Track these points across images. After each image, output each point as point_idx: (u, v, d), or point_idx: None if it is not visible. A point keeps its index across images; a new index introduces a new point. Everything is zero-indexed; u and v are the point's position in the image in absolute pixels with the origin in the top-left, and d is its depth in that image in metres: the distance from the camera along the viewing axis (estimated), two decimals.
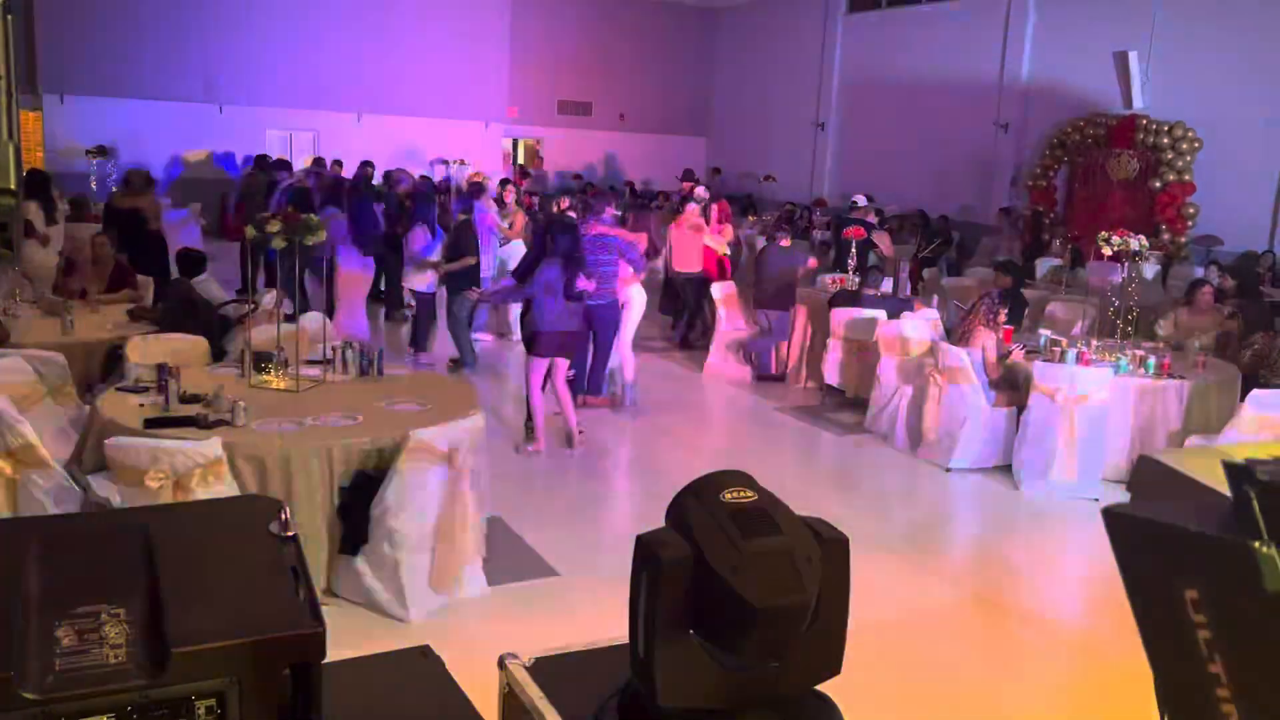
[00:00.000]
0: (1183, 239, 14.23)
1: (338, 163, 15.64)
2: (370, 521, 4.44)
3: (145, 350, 5.82)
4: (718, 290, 9.92)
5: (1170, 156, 14.25)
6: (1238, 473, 1.04)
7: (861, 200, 13.52)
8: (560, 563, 5.27)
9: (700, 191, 12.01)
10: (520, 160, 23.21)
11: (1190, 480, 1.57)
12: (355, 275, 10.01)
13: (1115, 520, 1.17)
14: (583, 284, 6.90)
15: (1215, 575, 1.05)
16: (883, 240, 11.35)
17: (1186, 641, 1.07)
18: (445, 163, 19.07)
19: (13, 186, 9.34)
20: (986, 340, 7.26)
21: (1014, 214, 15.53)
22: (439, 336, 9.90)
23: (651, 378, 9.54)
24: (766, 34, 22.68)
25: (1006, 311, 7.57)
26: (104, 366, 6.26)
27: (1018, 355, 7.37)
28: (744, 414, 9.02)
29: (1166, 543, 1.10)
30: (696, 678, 1.52)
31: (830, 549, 1.56)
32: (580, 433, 7.35)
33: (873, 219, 12.00)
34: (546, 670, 1.83)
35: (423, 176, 15.33)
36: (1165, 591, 1.09)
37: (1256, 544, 1.00)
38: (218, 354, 6.29)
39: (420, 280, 9.50)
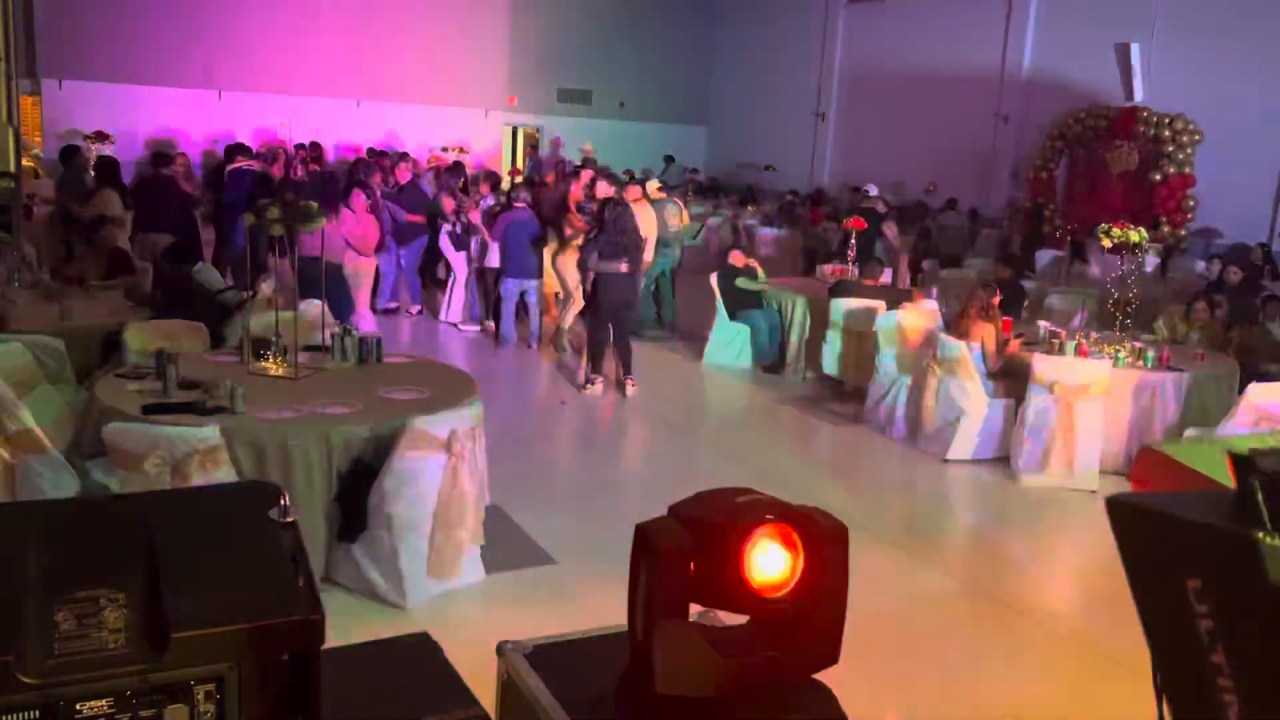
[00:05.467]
0: (1182, 231, 14.22)
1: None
2: (369, 509, 4.45)
3: (143, 336, 5.81)
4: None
5: (1171, 149, 14.23)
6: (1242, 463, 1.04)
7: (873, 190, 13.53)
8: (558, 551, 5.27)
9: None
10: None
11: (1191, 471, 1.57)
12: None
13: (1118, 509, 1.17)
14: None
15: (1218, 565, 1.05)
16: (890, 229, 11.37)
17: (1188, 631, 1.07)
18: (445, 150, 19.03)
19: (12, 170, 9.33)
20: (985, 332, 7.26)
21: (1013, 205, 15.52)
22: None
23: (649, 367, 9.54)
24: (767, 23, 22.61)
25: (1000, 299, 7.57)
26: (102, 352, 6.25)
27: (1015, 346, 7.38)
28: (742, 404, 9.02)
29: (1169, 532, 1.10)
30: (695, 666, 1.52)
31: (829, 538, 1.56)
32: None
33: (882, 208, 12.02)
34: (545, 658, 1.83)
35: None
36: (1167, 581, 1.09)
37: (1260, 534, 1.00)
38: (216, 340, 6.28)
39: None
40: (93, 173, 11.34)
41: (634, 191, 10.21)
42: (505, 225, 9.71)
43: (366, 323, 8.80)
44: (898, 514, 6.42)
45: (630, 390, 8.45)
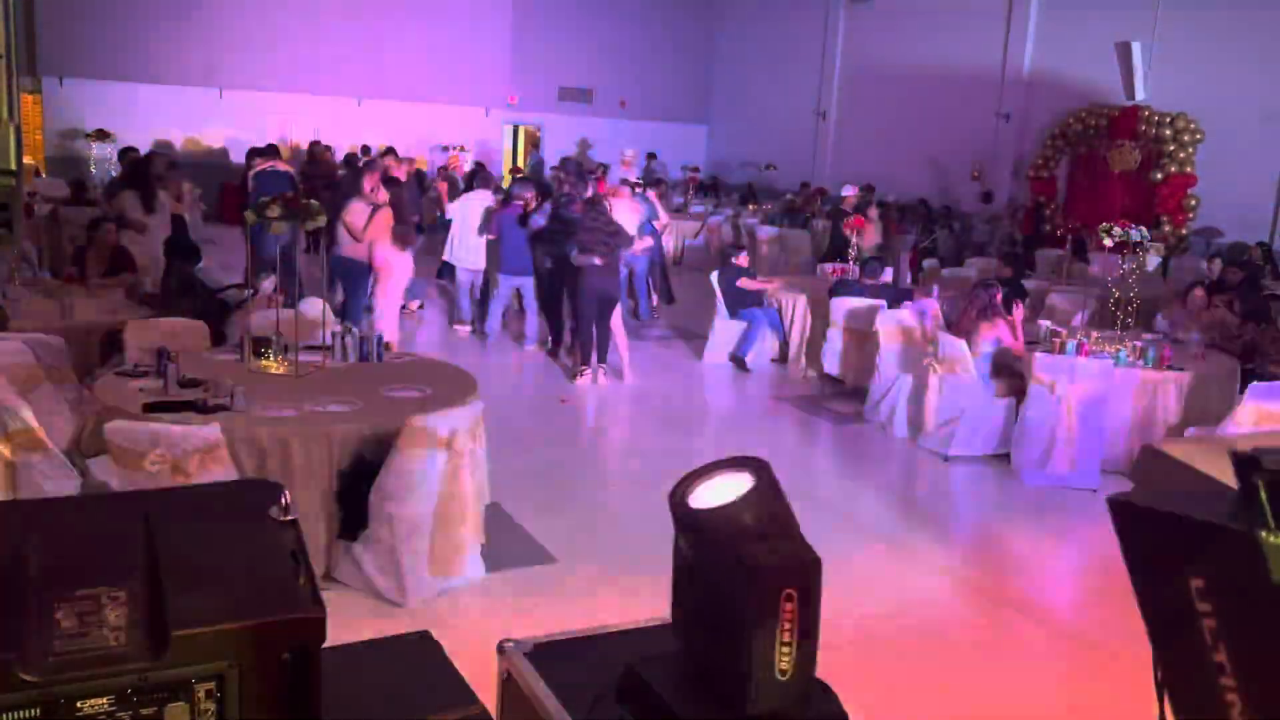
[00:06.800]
0: (1184, 230, 14.21)
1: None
2: (369, 507, 4.45)
3: (144, 334, 5.81)
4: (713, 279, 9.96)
5: (1172, 148, 14.22)
6: (1245, 462, 1.04)
7: (848, 191, 13.56)
8: (558, 549, 5.27)
9: None
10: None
11: (1193, 470, 1.56)
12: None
13: (1121, 508, 1.16)
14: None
15: (1221, 564, 1.05)
16: (866, 231, 11.38)
17: (1191, 630, 1.07)
18: (446, 149, 19.03)
19: (13, 168, 9.31)
20: (998, 331, 7.26)
21: (1014, 204, 15.51)
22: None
23: (649, 365, 9.54)
24: (768, 22, 22.60)
25: (1002, 297, 7.57)
26: (103, 350, 6.26)
27: (1019, 347, 7.39)
28: (742, 402, 9.02)
29: (1172, 531, 1.10)
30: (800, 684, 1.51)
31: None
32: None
33: (874, 211, 12.05)
34: (545, 656, 1.83)
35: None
36: (1170, 579, 1.09)
37: (1263, 533, 1.00)
38: (217, 338, 6.28)
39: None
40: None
41: (621, 190, 10.64)
42: (500, 222, 9.75)
43: (385, 323, 8.64)
44: (899, 512, 6.42)
45: (601, 379, 8.82)
